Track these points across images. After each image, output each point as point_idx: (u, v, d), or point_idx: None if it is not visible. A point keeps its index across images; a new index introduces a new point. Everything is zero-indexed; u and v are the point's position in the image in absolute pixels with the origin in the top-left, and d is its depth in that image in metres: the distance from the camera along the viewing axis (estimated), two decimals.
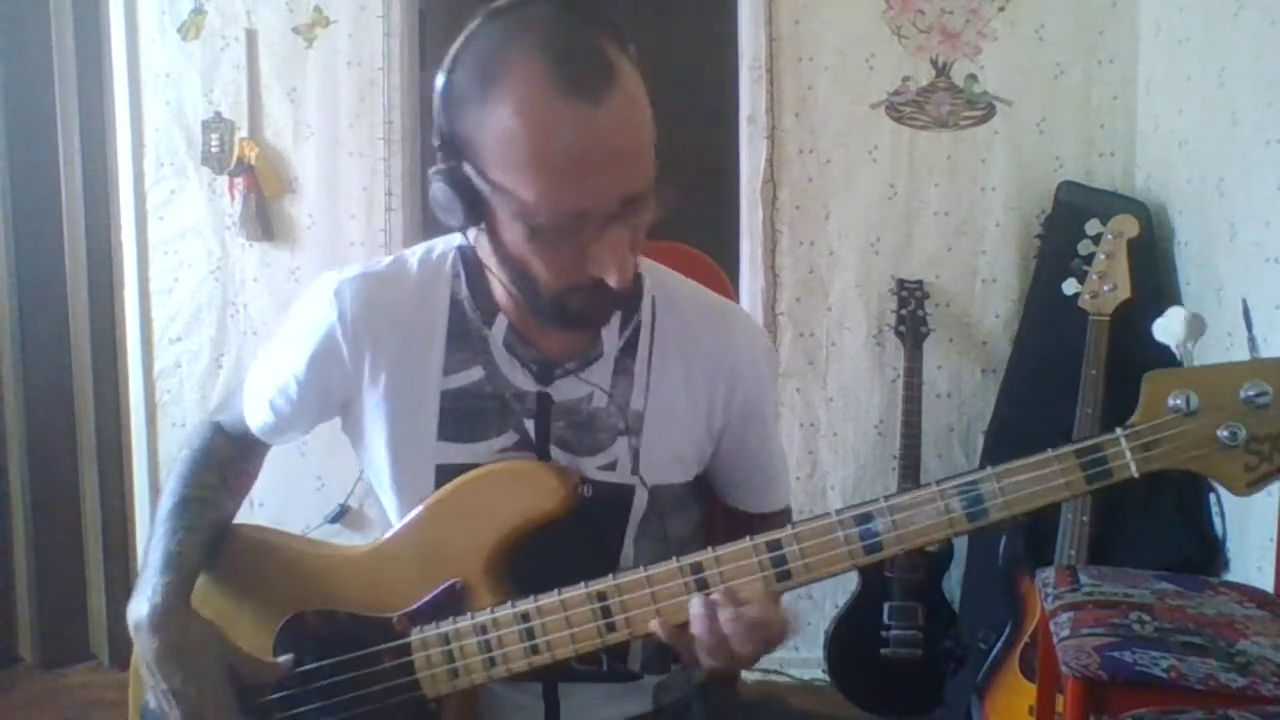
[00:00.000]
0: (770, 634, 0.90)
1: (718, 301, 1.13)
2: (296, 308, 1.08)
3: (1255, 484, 0.81)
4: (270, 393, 1.09)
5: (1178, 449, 0.82)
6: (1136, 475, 0.83)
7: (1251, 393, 0.80)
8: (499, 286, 1.01)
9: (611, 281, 0.89)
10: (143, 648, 0.95)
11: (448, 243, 1.07)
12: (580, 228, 0.87)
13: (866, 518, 0.88)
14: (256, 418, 1.11)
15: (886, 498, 0.88)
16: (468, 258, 1.04)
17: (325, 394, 1.06)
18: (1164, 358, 1.74)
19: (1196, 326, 1.70)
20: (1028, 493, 0.84)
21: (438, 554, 0.99)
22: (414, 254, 1.07)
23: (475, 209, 0.91)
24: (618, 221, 0.88)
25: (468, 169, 0.89)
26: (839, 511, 0.89)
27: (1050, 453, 0.84)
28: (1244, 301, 1.92)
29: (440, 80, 0.89)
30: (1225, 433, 0.81)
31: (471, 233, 1.00)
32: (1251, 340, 1.91)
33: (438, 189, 0.91)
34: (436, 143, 0.91)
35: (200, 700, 0.93)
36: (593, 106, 0.83)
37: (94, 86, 2.73)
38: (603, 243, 0.88)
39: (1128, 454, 0.83)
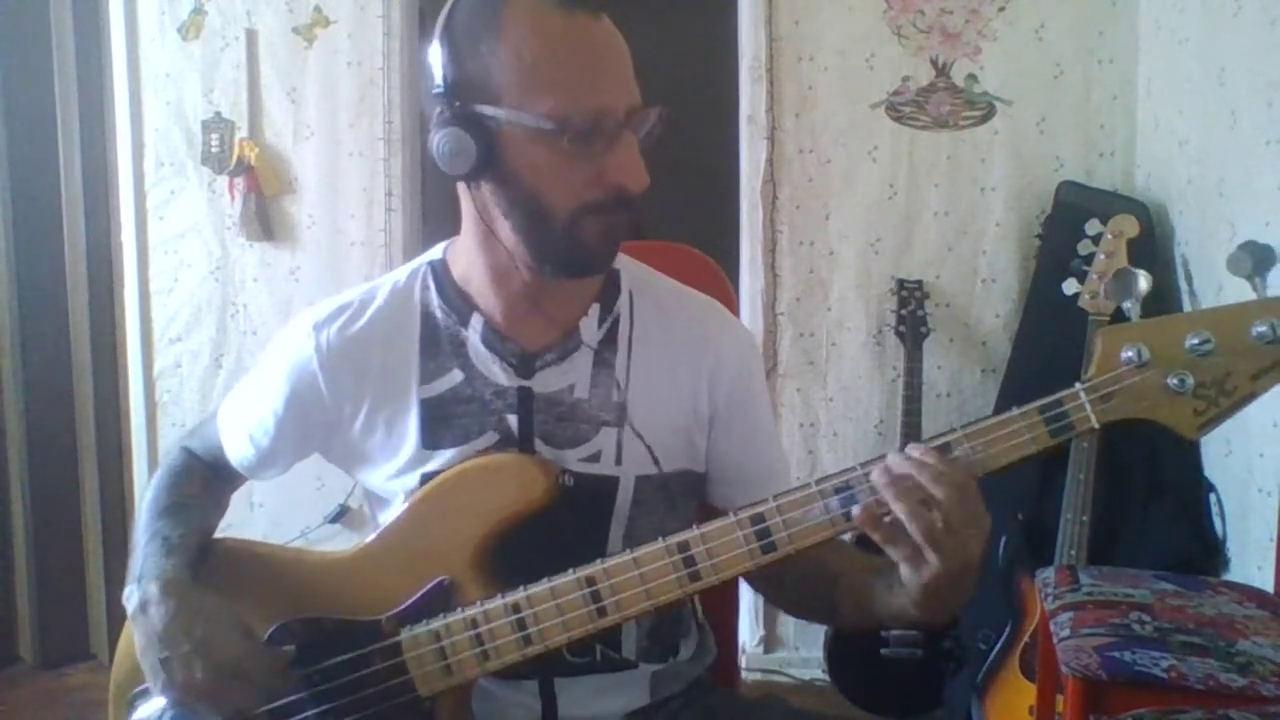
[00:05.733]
0: (981, 513, 0.84)
1: (696, 296, 1.14)
2: (275, 343, 1.10)
3: (1204, 427, 0.85)
4: (250, 426, 1.10)
5: (1132, 399, 0.85)
6: (1097, 426, 0.86)
7: (1195, 341, 0.84)
8: (478, 280, 1.03)
9: (630, 184, 0.94)
10: (149, 622, 0.93)
11: (419, 262, 1.10)
12: (596, 132, 0.92)
13: (846, 485, 0.88)
14: (237, 451, 1.12)
15: (863, 464, 0.88)
16: (438, 269, 1.08)
17: (305, 427, 1.08)
18: None
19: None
20: (997, 450, 0.86)
21: (423, 553, 0.99)
22: (386, 280, 1.10)
23: (487, 147, 0.93)
24: (627, 129, 0.94)
25: (480, 108, 0.92)
26: (819, 480, 0.89)
27: (1015, 410, 0.87)
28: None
29: (440, 32, 0.93)
30: (1174, 381, 0.84)
31: (442, 248, 1.07)
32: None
33: (445, 135, 0.93)
34: (438, 92, 0.93)
35: (222, 649, 0.91)
36: (593, 19, 0.93)
37: (94, 86, 2.73)
38: (617, 149, 0.93)
39: (1087, 406, 0.86)
